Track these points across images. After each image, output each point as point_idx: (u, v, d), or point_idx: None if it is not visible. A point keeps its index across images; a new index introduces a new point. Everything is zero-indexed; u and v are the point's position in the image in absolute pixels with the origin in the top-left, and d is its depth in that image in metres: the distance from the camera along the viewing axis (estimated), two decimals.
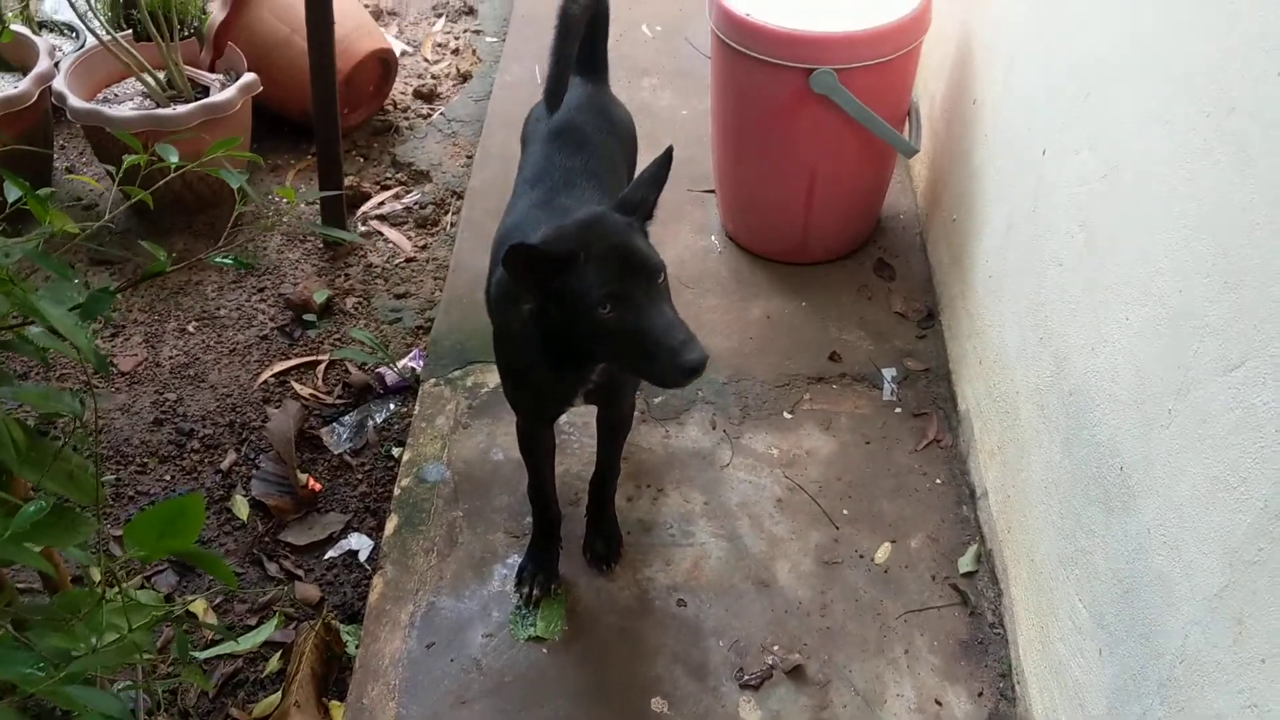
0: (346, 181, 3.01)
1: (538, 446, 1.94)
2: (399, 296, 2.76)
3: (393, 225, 2.97)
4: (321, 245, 2.90)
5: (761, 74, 2.33)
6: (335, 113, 2.73)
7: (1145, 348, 1.45)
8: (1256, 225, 1.20)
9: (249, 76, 2.88)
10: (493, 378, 2.35)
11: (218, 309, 2.73)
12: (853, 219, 2.60)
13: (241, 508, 2.24)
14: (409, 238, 2.94)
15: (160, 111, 2.75)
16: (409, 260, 2.86)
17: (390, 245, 2.91)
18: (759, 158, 2.50)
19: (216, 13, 3.05)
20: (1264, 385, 1.18)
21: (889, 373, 2.36)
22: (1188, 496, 1.31)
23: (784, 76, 2.29)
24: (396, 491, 2.17)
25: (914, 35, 2.31)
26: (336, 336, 2.66)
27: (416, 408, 2.32)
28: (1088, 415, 1.61)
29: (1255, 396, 1.19)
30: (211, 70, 3.05)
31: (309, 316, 2.66)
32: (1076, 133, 1.73)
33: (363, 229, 2.96)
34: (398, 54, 3.55)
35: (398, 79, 3.40)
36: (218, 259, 1.31)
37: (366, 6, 3.71)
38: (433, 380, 2.36)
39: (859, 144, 2.39)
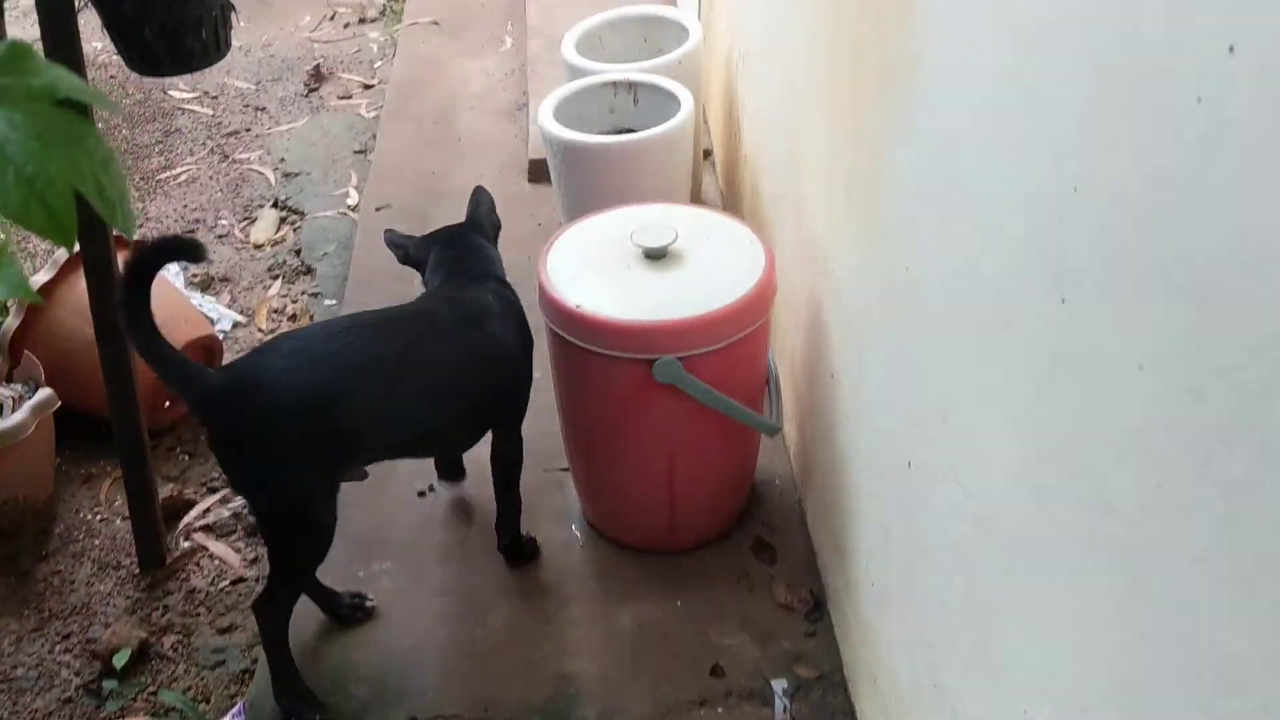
0: (167, 491, 2.70)
1: None
2: (223, 631, 2.41)
3: (219, 537, 2.65)
4: (136, 572, 2.56)
5: (601, 367, 2.12)
6: (142, 436, 2.46)
7: None
8: (1145, 637, 0.98)
9: (44, 394, 2.58)
10: None
11: (14, 668, 2.35)
12: (722, 500, 2.37)
13: None
14: (237, 550, 2.61)
15: None
16: (238, 581, 2.53)
17: (216, 563, 2.59)
18: (610, 449, 2.27)
19: (11, 319, 2.77)
20: None
21: (779, 685, 2.09)
22: None
23: (625, 368, 2.09)
24: None
25: (759, 312, 2.13)
26: (151, 690, 2.30)
27: None
28: None
29: None
30: (9, 380, 2.74)
31: (109, 683, 2.29)
32: (939, 456, 1.52)
33: (185, 544, 2.63)
34: (229, 326, 3.30)
35: (228, 356, 3.12)
36: None
37: (195, 276, 3.47)
38: None
39: (716, 427, 2.18)
